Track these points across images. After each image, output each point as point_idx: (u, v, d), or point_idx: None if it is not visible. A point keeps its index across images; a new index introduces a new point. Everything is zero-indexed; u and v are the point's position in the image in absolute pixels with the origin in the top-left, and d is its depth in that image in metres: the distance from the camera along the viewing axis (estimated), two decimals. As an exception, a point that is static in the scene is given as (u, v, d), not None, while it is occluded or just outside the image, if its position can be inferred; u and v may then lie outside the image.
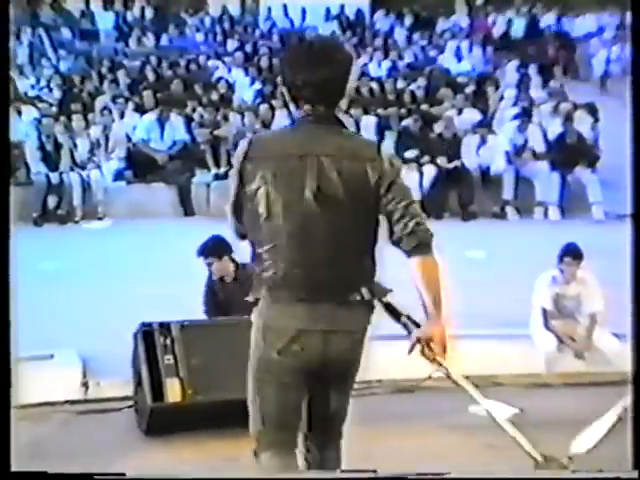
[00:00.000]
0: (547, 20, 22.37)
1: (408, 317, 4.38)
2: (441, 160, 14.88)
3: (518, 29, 22.05)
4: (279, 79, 5.10)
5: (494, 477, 3.58)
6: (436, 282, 4.29)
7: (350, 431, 6.06)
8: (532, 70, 18.39)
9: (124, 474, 3.64)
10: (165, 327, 6.30)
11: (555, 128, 15.43)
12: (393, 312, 4.44)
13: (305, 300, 4.17)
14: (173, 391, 6.09)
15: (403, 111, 16.41)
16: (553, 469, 4.94)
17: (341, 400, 4.49)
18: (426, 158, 14.88)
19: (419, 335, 4.30)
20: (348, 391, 4.51)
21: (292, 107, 4.29)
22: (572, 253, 8.03)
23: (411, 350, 4.27)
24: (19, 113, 15.46)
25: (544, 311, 8.02)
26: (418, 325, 4.36)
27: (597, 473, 3.82)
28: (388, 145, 15.08)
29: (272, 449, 4.40)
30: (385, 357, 6.63)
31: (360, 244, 4.22)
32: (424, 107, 17.00)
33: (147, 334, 6.27)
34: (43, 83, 17.35)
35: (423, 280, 4.25)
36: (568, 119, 15.48)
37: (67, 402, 6.65)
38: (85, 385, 6.87)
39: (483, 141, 15.23)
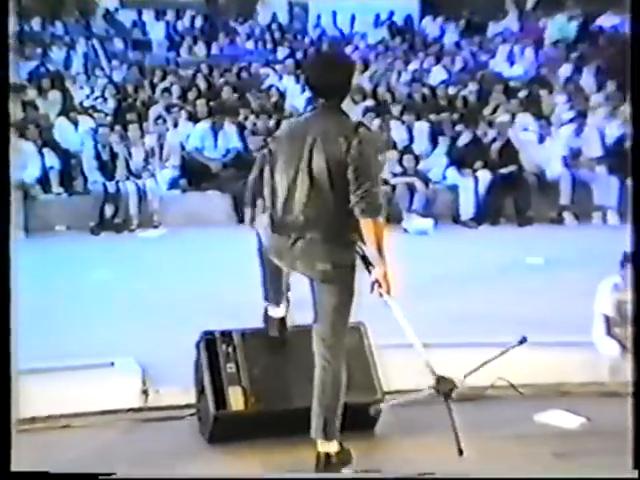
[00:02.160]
0: (600, 21, 22.13)
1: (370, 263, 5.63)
2: (496, 166, 14.80)
3: (571, 32, 21.85)
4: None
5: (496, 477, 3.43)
6: (378, 237, 5.47)
7: (416, 438, 6.05)
8: (586, 73, 18.27)
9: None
10: (227, 335, 6.35)
11: (613, 131, 15.33)
12: (364, 259, 5.67)
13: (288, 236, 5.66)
14: (236, 399, 6.11)
15: (455, 116, 16.34)
16: (444, 389, 5.69)
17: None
18: (480, 164, 14.79)
19: (372, 278, 5.58)
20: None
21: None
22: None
23: (371, 290, 5.58)
24: (75, 124, 15.60)
25: (606, 318, 7.95)
26: None
27: (597, 473, 3.79)
28: (441, 151, 15.13)
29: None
30: (449, 365, 6.58)
31: (337, 203, 5.50)
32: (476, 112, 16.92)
33: (209, 342, 6.31)
34: (97, 93, 17.45)
35: (369, 236, 5.49)
36: (627, 122, 15.36)
37: (130, 410, 6.66)
38: (145, 393, 6.88)
39: (539, 145, 15.19)
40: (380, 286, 5.56)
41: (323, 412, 5.73)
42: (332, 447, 5.79)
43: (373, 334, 6.42)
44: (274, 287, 6.23)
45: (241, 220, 14.10)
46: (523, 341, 6.13)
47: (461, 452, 5.63)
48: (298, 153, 5.54)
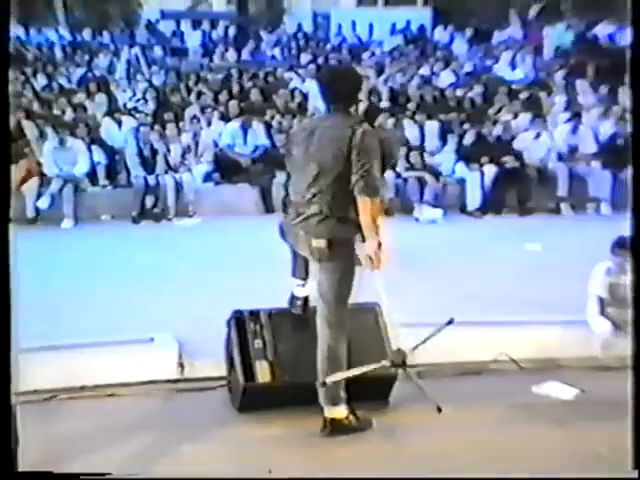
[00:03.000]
0: (596, 30, 22.12)
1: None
2: (500, 160, 14.76)
3: (568, 39, 21.83)
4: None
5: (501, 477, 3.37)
6: (373, 216, 5.64)
7: (425, 407, 6.05)
8: (582, 77, 18.24)
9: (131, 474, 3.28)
10: (255, 314, 6.38)
11: (606, 130, 15.31)
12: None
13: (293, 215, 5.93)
14: (263, 372, 6.14)
15: (463, 116, 16.31)
16: (397, 360, 5.95)
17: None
18: (485, 159, 14.74)
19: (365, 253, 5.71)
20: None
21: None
22: (623, 245, 7.94)
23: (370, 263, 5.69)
24: (119, 123, 15.61)
25: (600, 299, 7.92)
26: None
27: (597, 473, 3.64)
28: (450, 148, 15.10)
29: None
30: (454, 341, 6.58)
31: (339, 185, 5.71)
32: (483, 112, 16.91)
33: (239, 321, 6.36)
34: (139, 96, 17.44)
35: (364, 214, 5.65)
36: (619, 121, 15.35)
37: (167, 381, 6.68)
38: (181, 366, 6.89)
39: (538, 141, 15.18)
40: (371, 260, 5.69)
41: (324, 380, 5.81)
42: (339, 413, 5.82)
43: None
44: (297, 264, 6.29)
45: (268, 210, 14.15)
46: (451, 322, 6.17)
47: (439, 410, 5.84)
48: (308, 145, 5.85)
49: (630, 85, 3.23)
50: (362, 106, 16.39)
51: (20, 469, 4.59)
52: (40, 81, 18.42)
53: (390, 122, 15.47)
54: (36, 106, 16.58)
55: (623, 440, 5.33)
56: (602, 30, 21.87)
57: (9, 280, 3.59)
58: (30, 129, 14.79)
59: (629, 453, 5.30)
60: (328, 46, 22.98)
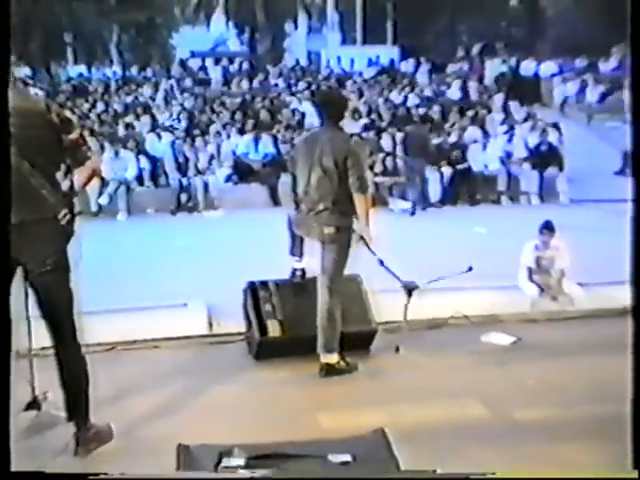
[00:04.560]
0: (523, 65, 22.29)
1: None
2: (454, 164, 14.78)
3: (503, 70, 21.93)
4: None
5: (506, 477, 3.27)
6: (366, 207, 5.75)
7: (404, 354, 6.03)
8: (513, 99, 18.21)
9: (124, 474, 3.15)
10: (265, 284, 6.36)
11: (534, 140, 15.30)
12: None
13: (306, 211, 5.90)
14: (273, 329, 6.12)
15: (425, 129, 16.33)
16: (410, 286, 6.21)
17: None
18: (444, 162, 14.73)
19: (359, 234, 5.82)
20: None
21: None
22: (548, 227, 7.96)
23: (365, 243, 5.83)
24: (159, 137, 15.57)
25: (529, 269, 7.93)
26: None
27: (597, 473, 3.35)
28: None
29: None
30: (421, 303, 6.58)
31: (339, 186, 5.74)
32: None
33: (253, 289, 6.33)
34: (174, 116, 17.41)
35: (360, 206, 5.72)
36: (543, 133, 15.37)
37: (199, 336, 6.67)
38: (210, 324, 6.87)
39: (483, 149, 15.23)
40: (365, 241, 5.86)
41: (323, 334, 5.83)
42: (332, 359, 5.83)
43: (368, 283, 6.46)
44: (296, 246, 6.29)
45: (275, 203, 14.14)
46: (470, 269, 6.57)
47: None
48: (311, 155, 5.82)
49: (630, 88, 3.10)
50: (362, 121, 16.52)
51: (91, 404, 4.59)
52: (99, 107, 18.38)
53: (371, 134, 15.61)
54: (97, 126, 16.56)
55: (547, 374, 5.62)
56: (528, 65, 22.06)
57: (9, 280, 3.21)
58: (93, 143, 14.79)
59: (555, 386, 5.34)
60: (320, 76, 23.00)
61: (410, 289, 6.29)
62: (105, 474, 2.99)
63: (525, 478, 3.37)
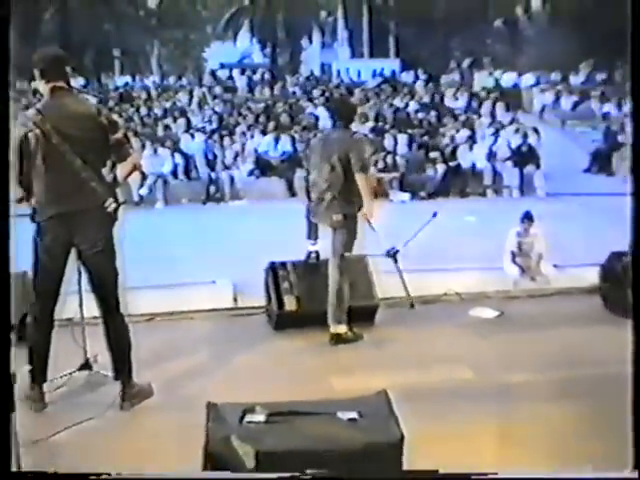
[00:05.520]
0: (506, 77, 22.18)
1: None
2: (447, 161, 14.67)
3: (489, 82, 21.80)
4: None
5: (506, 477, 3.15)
6: (368, 187, 5.76)
7: (401, 330, 6.01)
8: (499, 106, 18.06)
9: (120, 473, 2.97)
10: (283, 265, 6.36)
11: (516, 141, 15.19)
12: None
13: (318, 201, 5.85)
14: (290, 303, 6.12)
15: (423, 131, 16.28)
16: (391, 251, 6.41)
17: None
18: (439, 160, 14.65)
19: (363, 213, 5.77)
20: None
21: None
22: (527, 217, 7.89)
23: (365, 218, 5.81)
24: (192, 137, 15.52)
25: (512, 253, 7.87)
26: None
27: (597, 473, 3.15)
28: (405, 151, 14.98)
29: None
30: (418, 282, 6.56)
31: (345, 178, 5.70)
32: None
33: (272, 269, 6.33)
34: (206, 119, 17.34)
35: (362, 186, 5.68)
36: (524, 136, 15.26)
37: (226, 309, 6.66)
38: (235, 299, 6.84)
39: (471, 149, 15.13)
40: (367, 219, 5.87)
41: (333, 308, 5.81)
42: (341, 329, 5.82)
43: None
44: (312, 231, 6.27)
45: (292, 195, 14.06)
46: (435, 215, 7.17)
47: (412, 305, 6.27)
48: (323, 152, 5.82)
49: (631, 92, 3.04)
50: (369, 124, 16.44)
51: (134, 366, 4.60)
52: (142, 111, 18.34)
53: (376, 135, 15.51)
54: (139, 127, 16.55)
55: (527, 343, 5.60)
56: (509, 76, 21.96)
57: (9, 278, 3.01)
58: (135, 142, 14.78)
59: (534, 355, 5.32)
60: (331, 85, 22.81)
61: (393, 254, 6.42)
62: (108, 474, 2.91)
63: (525, 478, 3.19)
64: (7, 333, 2.99)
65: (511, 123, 16.52)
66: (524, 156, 14.64)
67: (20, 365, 4.06)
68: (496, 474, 2.98)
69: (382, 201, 13.06)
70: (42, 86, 4.46)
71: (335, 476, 2.97)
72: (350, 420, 3.16)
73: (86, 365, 4.95)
